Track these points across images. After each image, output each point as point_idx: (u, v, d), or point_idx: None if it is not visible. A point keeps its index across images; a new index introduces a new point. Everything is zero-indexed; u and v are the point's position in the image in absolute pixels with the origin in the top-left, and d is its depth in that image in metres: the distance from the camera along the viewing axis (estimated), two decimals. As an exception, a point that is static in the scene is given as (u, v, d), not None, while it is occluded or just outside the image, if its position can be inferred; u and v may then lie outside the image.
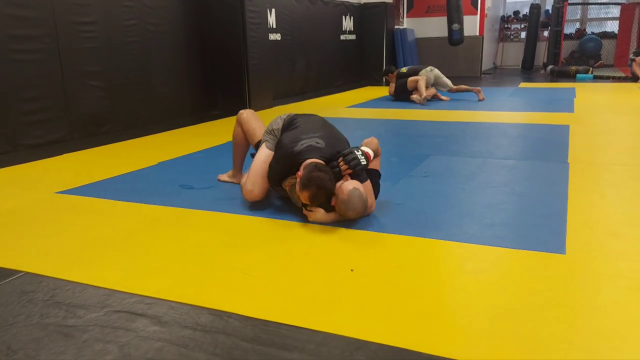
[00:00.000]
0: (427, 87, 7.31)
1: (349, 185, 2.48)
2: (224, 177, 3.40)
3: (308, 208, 2.56)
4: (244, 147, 3.23)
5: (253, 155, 3.00)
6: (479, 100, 7.43)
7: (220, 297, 1.83)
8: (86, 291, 1.89)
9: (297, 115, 3.00)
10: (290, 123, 2.92)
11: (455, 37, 10.44)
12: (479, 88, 7.64)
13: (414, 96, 7.23)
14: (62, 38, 4.64)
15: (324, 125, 2.89)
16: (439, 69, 7.60)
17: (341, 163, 2.55)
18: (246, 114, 3.16)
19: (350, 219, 2.53)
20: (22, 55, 4.32)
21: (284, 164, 2.67)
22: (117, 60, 5.25)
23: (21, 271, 2.07)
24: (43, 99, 4.53)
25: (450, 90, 7.54)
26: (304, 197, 2.47)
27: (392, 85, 7.63)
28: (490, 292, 1.85)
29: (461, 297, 1.82)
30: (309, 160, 2.55)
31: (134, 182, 3.45)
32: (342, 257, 2.17)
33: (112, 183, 3.41)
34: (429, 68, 7.48)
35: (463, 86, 7.63)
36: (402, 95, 7.41)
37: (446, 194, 3.02)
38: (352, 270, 2.04)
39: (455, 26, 10.29)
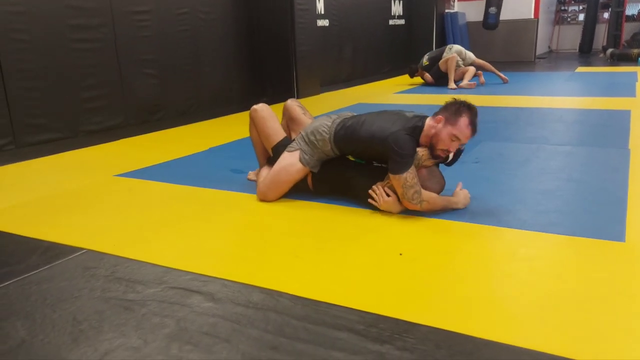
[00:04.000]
0: (457, 65, 7.18)
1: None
2: (253, 176, 3.07)
3: (384, 191, 2.45)
4: (265, 148, 2.91)
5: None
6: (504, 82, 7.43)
7: (271, 277, 1.87)
8: (144, 268, 1.98)
9: (352, 115, 2.71)
10: (353, 123, 2.57)
11: (490, 21, 10.11)
12: (505, 78, 7.45)
13: (464, 83, 7.08)
14: (118, 27, 4.80)
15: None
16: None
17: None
18: (260, 111, 2.82)
19: (437, 191, 2.49)
20: (81, 45, 4.51)
21: (410, 137, 2.40)
22: (170, 48, 5.39)
23: (84, 248, 2.18)
24: (101, 87, 4.72)
25: (474, 64, 7.36)
26: (462, 127, 2.31)
27: (427, 75, 7.49)
28: (544, 278, 1.81)
29: (513, 283, 1.79)
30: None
31: (186, 166, 3.55)
32: (391, 242, 2.17)
33: (166, 167, 3.52)
34: (447, 47, 7.41)
35: (487, 64, 7.46)
36: (442, 80, 7.28)
37: (498, 180, 2.95)
38: (400, 255, 2.03)
39: (492, 10, 9.96)
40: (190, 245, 2.21)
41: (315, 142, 2.62)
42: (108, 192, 3.00)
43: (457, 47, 7.43)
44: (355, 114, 2.74)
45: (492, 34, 11.05)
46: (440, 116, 2.39)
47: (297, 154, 2.66)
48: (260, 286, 1.81)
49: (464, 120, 2.33)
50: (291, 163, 2.65)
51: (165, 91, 5.40)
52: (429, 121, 2.42)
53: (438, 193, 2.50)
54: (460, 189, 2.53)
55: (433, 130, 2.39)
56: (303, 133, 2.70)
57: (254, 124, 2.87)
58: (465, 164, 3.30)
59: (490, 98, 6.23)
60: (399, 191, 2.39)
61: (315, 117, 2.90)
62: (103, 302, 1.73)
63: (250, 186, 2.99)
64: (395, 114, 2.57)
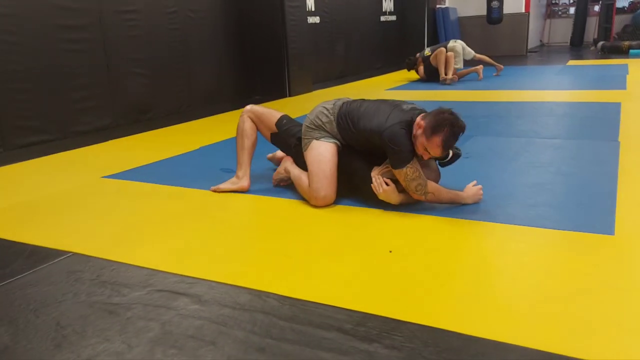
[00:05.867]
0: (449, 62, 7.14)
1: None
2: (224, 185, 2.87)
3: (383, 180, 2.42)
4: (254, 141, 2.88)
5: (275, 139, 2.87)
6: (495, 74, 7.64)
7: (258, 278, 1.86)
8: (130, 271, 1.95)
9: (349, 100, 2.68)
10: (352, 110, 2.55)
11: (494, 15, 10.21)
12: (501, 66, 7.71)
13: (447, 77, 7.10)
14: (106, 27, 4.76)
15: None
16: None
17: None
18: (257, 106, 2.91)
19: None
20: (69, 45, 4.47)
21: (404, 131, 2.36)
22: (160, 47, 5.36)
23: (69, 252, 2.15)
24: (90, 88, 4.68)
25: (474, 59, 7.47)
26: (433, 145, 2.26)
27: (421, 68, 7.50)
28: (533, 273, 1.80)
29: (503, 279, 1.78)
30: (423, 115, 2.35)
31: (176, 166, 3.52)
32: (381, 239, 2.16)
33: (156, 167, 3.50)
34: (451, 41, 7.41)
35: (486, 57, 7.60)
36: (432, 75, 7.29)
37: (488, 174, 2.94)
38: (390, 252, 2.02)
39: (495, 4, 10.03)
40: (177, 246, 2.18)
41: (322, 125, 2.60)
42: (96, 194, 2.97)
43: (460, 41, 7.40)
44: (353, 100, 2.69)
45: (483, 29, 11.05)
46: (423, 122, 2.31)
47: (320, 141, 2.59)
48: (247, 287, 1.79)
49: (437, 140, 2.26)
50: (323, 151, 2.56)
51: (156, 91, 5.36)
52: (418, 119, 2.37)
53: (435, 182, 2.50)
54: (473, 185, 2.50)
55: (414, 132, 2.36)
56: (307, 123, 2.67)
57: (253, 114, 2.86)
58: (456, 159, 3.28)
59: (482, 93, 6.23)
60: (403, 184, 2.41)
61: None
62: (87, 306, 1.70)
63: (239, 185, 2.97)
64: (392, 105, 2.52)
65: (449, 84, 6.99)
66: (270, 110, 2.94)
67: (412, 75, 7.92)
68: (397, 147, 2.35)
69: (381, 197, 2.45)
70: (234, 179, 2.89)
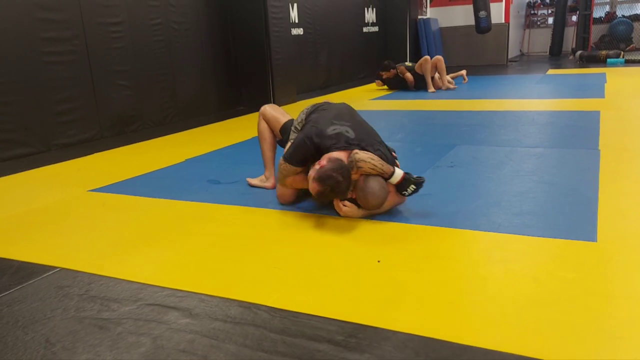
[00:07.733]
0: (443, 70, 7.50)
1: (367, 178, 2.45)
2: (254, 181, 3.17)
3: (341, 203, 2.51)
4: (272, 141, 3.08)
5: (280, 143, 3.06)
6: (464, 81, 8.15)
7: (249, 290, 1.86)
8: (119, 285, 1.94)
9: (321, 103, 2.91)
10: (315, 109, 2.83)
11: (482, 25, 10.37)
12: (463, 72, 8.20)
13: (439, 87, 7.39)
14: (90, 39, 4.75)
15: (353, 116, 2.77)
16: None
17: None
18: (268, 106, 3.10)
19: (375, 207, 2.47)
20: (53, 58, 4.45)
21: (308, 146, 2.53)
22: (144, 59, 5.35)
23: (57, 267, 2.13)
24: (74, 100, 4.65)
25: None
26: (312, 188, 2.39)
27: (409, 75, 7.61)
28: (519, 281, 1.83)
29: (490, 287, 1.81)
30: (335, 155, 2.45)
31: (163, 178, 3.51)
32: (369, 249, 2.18)
33: (142, 180, 3.48)
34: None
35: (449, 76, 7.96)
36: (421, 82, 7.53)
37: (473, 183, 2.99)
38: (379, 262, 2.04)
39: (482, 14, 10.20)
40: (166, 259, 2.18)
41: (299, 130, 2.81)
42: (82, 208, 2.95)
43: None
44: (321, 104, 2.90)
45: (464, 39, 11.23)
46: (322, 164, 2.41)
47: (289, 144, 2.79)
48: (238, 299, 1.79)
49: (313, 187, 2.39)
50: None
51: (141, 102, 5.34)
52: (326, 157, 2.46)
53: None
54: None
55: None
56: (295, 123, 2.89)
57: (262, 116, 3.07)
58: (441, 168, 3.33)
59: (465, 102, 6.31)
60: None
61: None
62: (77, 322, 1.69)
63: (226, 196, 2.98)
64: (327, 121, 2.63)
65: (444, 90, 7.37)
66: (277, 115, 3.06)
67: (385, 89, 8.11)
68: (291, 147, 2.61)
69: (342, 215, 2.54)
70: (262, 177, 3.15)
